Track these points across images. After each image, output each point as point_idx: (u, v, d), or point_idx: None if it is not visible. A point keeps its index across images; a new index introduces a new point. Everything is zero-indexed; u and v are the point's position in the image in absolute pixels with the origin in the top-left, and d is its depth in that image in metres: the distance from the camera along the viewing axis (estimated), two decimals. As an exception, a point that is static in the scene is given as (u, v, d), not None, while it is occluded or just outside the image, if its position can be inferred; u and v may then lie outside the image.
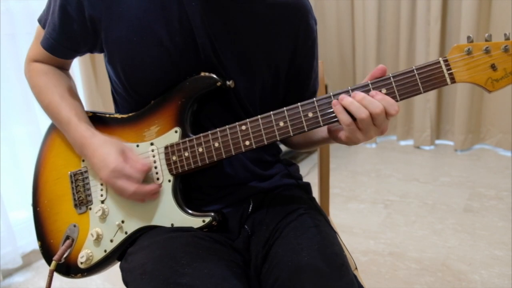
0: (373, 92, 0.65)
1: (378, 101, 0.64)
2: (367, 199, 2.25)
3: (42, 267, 1.85)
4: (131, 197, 0.74)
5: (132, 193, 0.73)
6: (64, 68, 0.90)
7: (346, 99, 0.66)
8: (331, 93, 0.67)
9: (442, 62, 0.64)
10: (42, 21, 0.83)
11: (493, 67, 0.63)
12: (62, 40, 0.80)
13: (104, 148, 0.75)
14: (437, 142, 2.96)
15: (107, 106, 2.03)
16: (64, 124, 0.81)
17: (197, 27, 0.75)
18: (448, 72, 0.64)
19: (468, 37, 0.64)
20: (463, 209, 2.03)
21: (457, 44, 0.65)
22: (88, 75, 1.94)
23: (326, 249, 0.71)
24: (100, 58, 1.99)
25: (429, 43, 2.73)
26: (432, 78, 0.65)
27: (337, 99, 0.67)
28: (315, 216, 0.80)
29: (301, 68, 0.86)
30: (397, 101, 0.65)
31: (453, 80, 0.64)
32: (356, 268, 0.90)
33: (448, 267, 1.59)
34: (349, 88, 0.67)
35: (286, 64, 0.83)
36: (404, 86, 0.65)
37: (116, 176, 0.73)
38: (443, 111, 2.91)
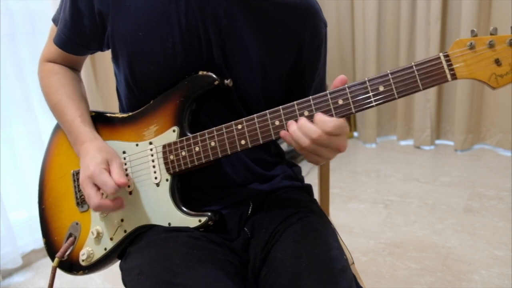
0: (304, 116, 0.66)
1: (314, 125, 0.64)
2: (367, 199, 2.25)
3: (42, 267, 1.84)
4: (94, 209, 0.73)
5: (95, 206, 0.72)
6: (76, 69, 0.91)
7: (290, 127, 0.66)
8: (328, 92, 0.67)
9: (442, 58, 0.61)
10: (56, 20, 0.85)
11: (497, 62, 0.60)
12: (73, 36, 0.81)
13: (95, 153, 0.75)
14: (437, 142, 2.96)
15: (107, 106, 2.03)
16: (68, 124, 0.82)
17: (203, 22, 0.75)
18: (449, 68, 0.61)
19: (472, 31, 0.61)
20: (463, 209, 2.03)
21: (459, 38, 0.62)
22: (88, 75, 1.95)
23: (325, 253, 0.71)
24: (100, 59, 1.99)
25: (429, 43, 2.72)
26: (432, 74, 0.62)
27: (333, 97, 0.66)
28: (315, 220, 0.80)
29: (305, 69, 0.84)
30: (395, 98, 0.64)
31: (454, 76, 0.61)
32: (353, 263, 0.90)
33: (448, 267, 1.59)
34: (346, 86, 0.66)
35: (290, 64, 0.82)
36: (403, 83, 0.63)
37: (90, 182, 0.73)
38: (443, 111, 2.90)
